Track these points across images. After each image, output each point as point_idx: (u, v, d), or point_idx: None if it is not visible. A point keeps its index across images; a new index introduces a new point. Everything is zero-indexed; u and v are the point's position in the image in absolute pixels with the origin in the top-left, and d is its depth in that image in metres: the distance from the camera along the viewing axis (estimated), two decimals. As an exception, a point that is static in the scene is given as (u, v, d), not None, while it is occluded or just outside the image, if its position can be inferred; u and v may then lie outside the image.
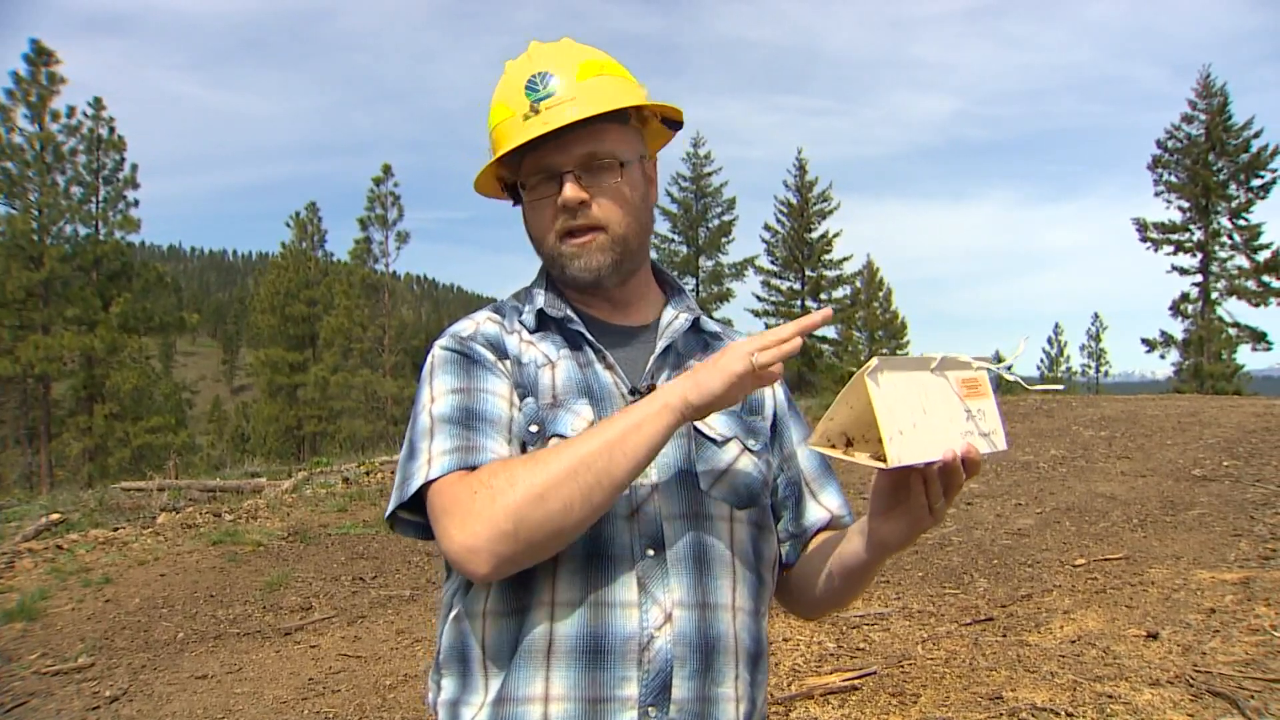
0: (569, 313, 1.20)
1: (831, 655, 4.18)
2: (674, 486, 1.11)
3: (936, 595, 4.96)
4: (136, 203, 27.53)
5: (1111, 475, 7.65)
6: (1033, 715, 3.32)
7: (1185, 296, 32.36)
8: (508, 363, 1.15)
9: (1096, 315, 54.36)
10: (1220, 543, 5.36)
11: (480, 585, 1.09)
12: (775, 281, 37.49)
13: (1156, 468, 7.75)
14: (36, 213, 25.61)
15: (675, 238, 37.50)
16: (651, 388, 1.13)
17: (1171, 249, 32.68)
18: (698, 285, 36.78)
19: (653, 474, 1.11)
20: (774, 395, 1.28)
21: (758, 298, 37.64)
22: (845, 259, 37.95)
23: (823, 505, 1.27)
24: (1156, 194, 33.13)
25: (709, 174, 37.74)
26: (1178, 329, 32.25)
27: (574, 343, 1.19)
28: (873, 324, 39.64)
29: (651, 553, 1.07)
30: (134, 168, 27.48)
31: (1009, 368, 1.05)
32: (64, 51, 26.19)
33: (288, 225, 38.74)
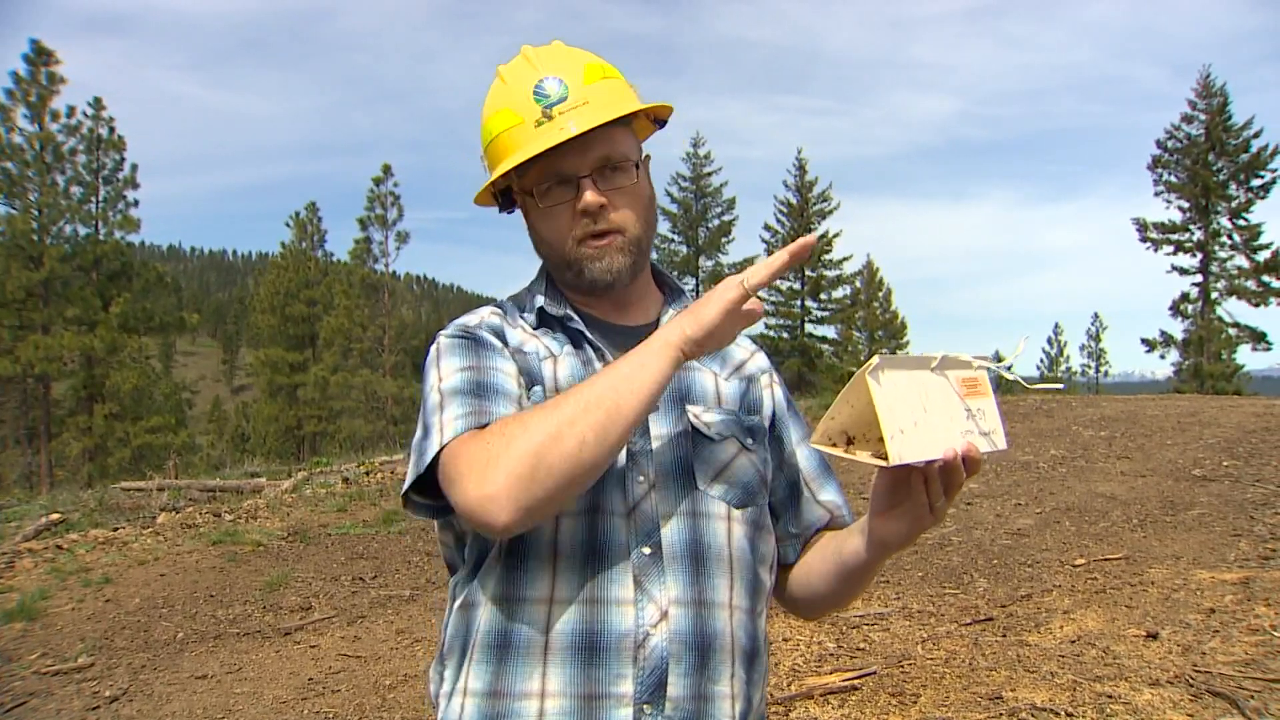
0: (569, 311, 1.20)
1: (831, 655, 4.18)
2: (671, 485, 1.11)
3: (936, 595, 4.96)
4: (136, 203, 27.58)
5: (1111, 475, 7.66)
6: (1032, 715, 3.32)
7: (1185, 296, 32.38)
8: (511, 351, 1.16)
9: (1096, 315, 54.43)
10: (1220, 543, 5.36)
11: (486, 572, 1.09)
12: (775, 281, 37.47)
13: (1156, 468, 7.75)
14: (36, 213, 25.62)
15: (675, 238, 37.55)
16: None
17: (1171, 249, 32.70)
18: (698, 285, 36.77)
19: (650, 472, 1.11)
20: (773, 395, 1.28)
21: (758, 297, 37.58)
22: (845, 259, 38.02)
23: (822, 505, 1.27)
24: (1156, 194, 33.19)
25: (709, 174, 37.79)
26: (1178, 329, 32.31)
27: (575, 341, 1.19)
28: (873, 324, 39.65)
29: (648, 550, 1.08)
30: (134, 168, 27.52)
31: (1009, 367, 1.05)
32: (64, 51, 26.24)
33: (288, 225, 38.78)
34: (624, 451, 1.10)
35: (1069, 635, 4.12)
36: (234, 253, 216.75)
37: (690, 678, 1.06)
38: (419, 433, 1.08)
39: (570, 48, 1.20)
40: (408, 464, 1.09)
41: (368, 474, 11.26)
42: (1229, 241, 32.10)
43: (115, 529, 8.17)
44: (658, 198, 1.29)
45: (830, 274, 37.58)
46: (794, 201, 37.70)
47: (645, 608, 1.05)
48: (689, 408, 1.17)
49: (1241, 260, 31.77)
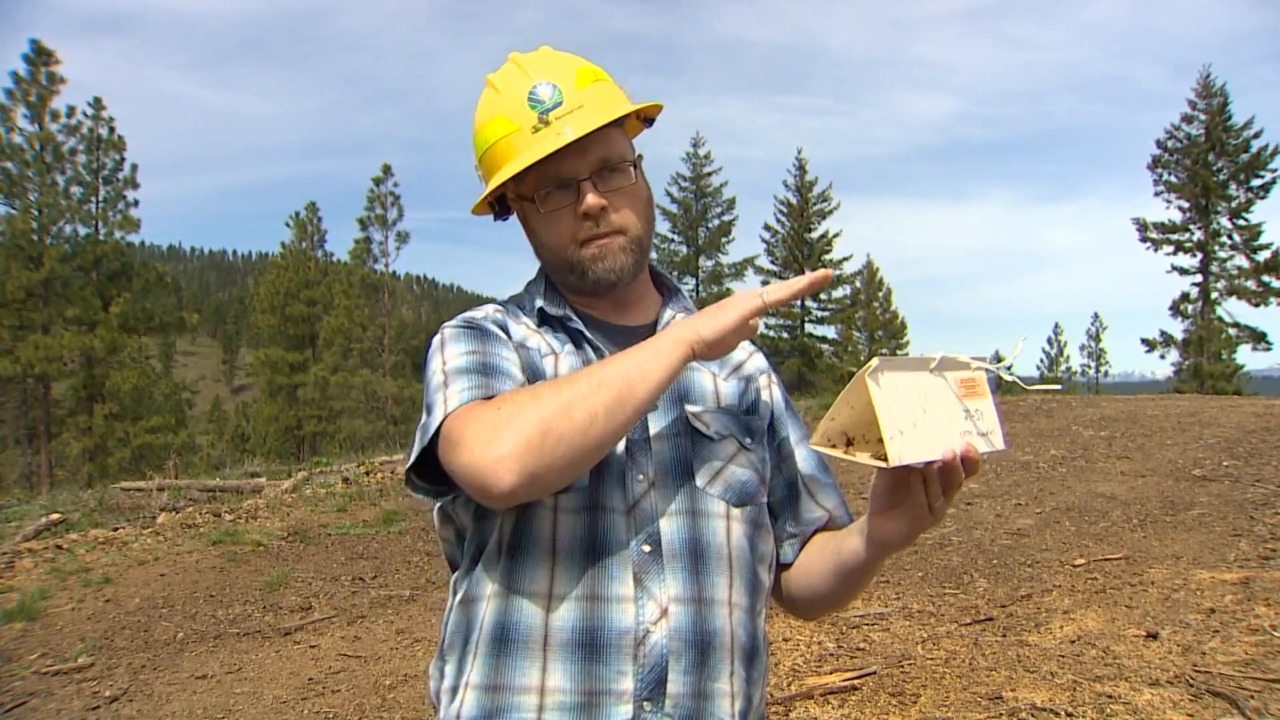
0: (568, 311, 1.21)
1: (831, 655, 4.18)
2: (671, 483, 1.12)
3: (936, 595, 4.96)
4: (136, 203, 27.57)
5: (1111, 475, 7.66)
6: (1032, 715, 3.32)
7: (1185, 296, 32.38)
8: (515, 344, 1.17)
9: (1096, 315, 54.45)
10: (1220, 543, 5.36)
11: (485, 566, 1.10)
12: (775, 281, 37.45)
13: (1156, 468, 7.76)
14: (36, 213, 25.61)
15: (675, 238, 37.53)
16: None
17: (1171, 249, 32.70)
18: (698, 285, 36.79)
19: (650, 470, 1.11)
20: (771, 395, 1.29)
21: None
22: (845, 259, 38.00)
23: (820, 505, 1.28)
24: (1156, 194, 33.18)
25: (709, 174, 37.77)
26: (1178, 329, 32.31)
27: (575, 340, 1.20)
28: (873, 324, 39.67)
29: (648, 548, 1.08)
30: (134, 168, 27.52)
31: (1009, 368, 1.06)
32: (64, 51, 26.24)
33: (288, 225, 38.76)
34: (624, 450, 1.11)
35: (1069, 635, 4.12)
36: (234, 253, 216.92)
37: (690, 675, 1.06)
38: (423, 415, 1.08)
39: (559, 52, 1.20)
40: (411, 453, 1.09)
41: (368, 474, 11.25)
42: (1229, 241, 32.11)
43: (115, 529, 8.17)
44: (657, 198, 1.29)
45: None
46: (794, 201, 37.69)
47: (645, 605, 1.06)
48: (688, 407, 1.17)
49: (1241, 260, 31.78)
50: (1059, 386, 1.36)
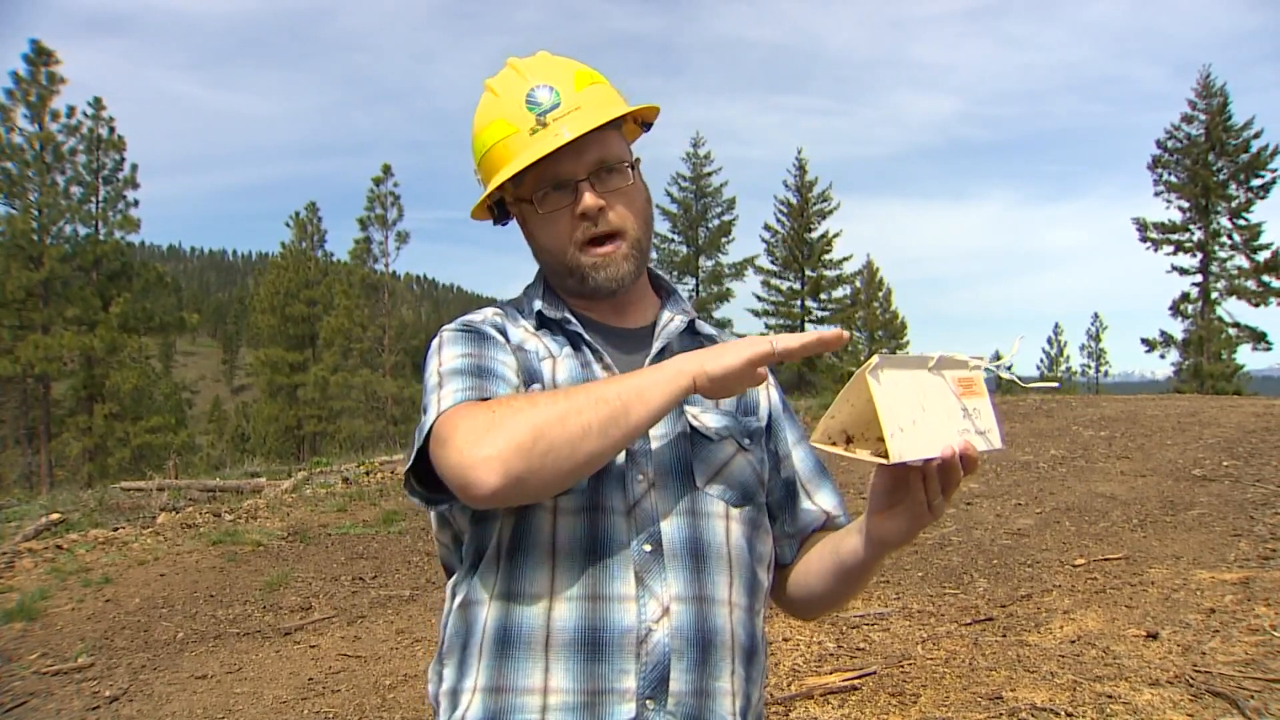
0: (566, 314, 1.21)
1: (831, 655, 4.18)
2: (671, 483, 1.12)
3: (936, 595, 4.96)
4: (136, 203, 27.57)
5: (1111, 475, 7.66)
6: (1032, 715, 3.32)
7: (1185, 296, 32.39)
8: (513, 347, 1.17)
9: (1096, 315, 54.43)
10: (1220, 543, 5.36)
11: (485, 570, 1.10)
12: (775, 281, 37.49)
13: (1156, 468, 7.75)
14: (36, 213, 25.62)
15: (675, 238, 37.51)
16: None
17: (1171, 249, 32.70)
18: (697, 285, 36.78)
19: (650, 471, 1.12)
20: (769, 397, 1.30)
21: (758, 298, 37.55)
22: (845, 259, 38.01)
23: (818, 505, 1.29)
24: (1156, 194, 33.19)
25: (709, 174, 37.74)
26: (1178, 329, 32.32)
27: (573, 343, 1.20)
28: (873, 324, 39.66)
29: (649, 548, 1.08)
30: (134, 168, 27.52)
31: (1009, 368, 1.06)
32: (64, 51, 26.26)
33: (288, 225, 38.76)
34: (624, 452, 1.11)
35: (1069, 635, 4.12)
36: (234, 253, 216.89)
37: (692, 673, 1.06)
38: (421, 418, 1.09)
39: (556, 56, 1.21)
40: (410, 454, 1.09)
41: (368, 474, 11.26)
42: (1229, 241, 32.12)
43: (115, 529, 8.17)
44: (657, 198, 1.30)
45: (830, 274, 37.58)
46: (794, 201, 37.67)
47: (647, 604, 1.06)
48: (687, 409, 1.18)
49: (1241, 260, 31.79)
50: (1055, 385, 1.37)
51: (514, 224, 1.26)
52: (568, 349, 1.19)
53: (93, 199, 26.90)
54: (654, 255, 1.32)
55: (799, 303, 37.36)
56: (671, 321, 1.25)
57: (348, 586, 6.22)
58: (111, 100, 33.15)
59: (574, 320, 1.21)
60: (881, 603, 4.90)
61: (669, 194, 37.00)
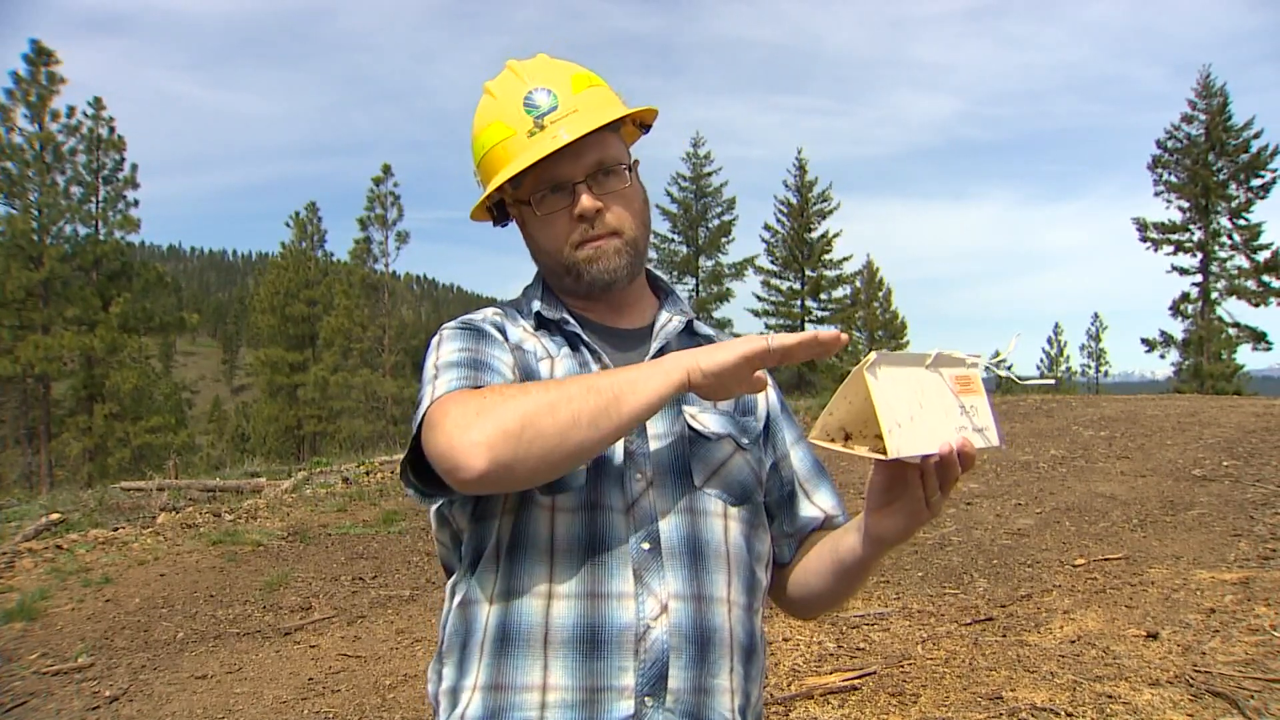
0: (565, 314, 1.22)
1: (831, 655, 4.18)
2: (669, 482, 1.13)
3: (936, 595, 4.96)
4: (136, 203, 27.57)
5: (1111, 475, 7.66)
6: (1032, 715, 3.32)
7: (1185, 296, 32.39)
8: (511, 346, 1.18)
9: (1096, 315, 54.43)
10: (1220, 543, 5.36)
11: (483, 569, 1.10)
12: (775, 281, 37.49)
13: (1156, 468, 7.75)
14: (36, 213, 25.61)
15: (675, 238, 37.49)
16: None
17: (1171, 249, 32.70)
18: (697, 285, 36.77)
19: (648, 470, 1.12)
20: (767, 397, 1.30)
21: (758, 298, 37.58)
22: (845, 259, 37.98)
23: (816, 505, 1.29)
24: (1156, 194, 33.19)
25: (709, 174, 37.73)
26: (1178, 329, 32.31)
27: (571, 343, 1.21)
28: (873, 324, 39.67)
29: (647, 546, 1.09)
30: (134, 168, 27.52)
31: (1008, 367, 1.07)
32: (64, 51, 26.25)
33: (288, 225, 38.75)
34: (622, 451, 1.12)
35: (1069, 635, 4.12)
36: (234, 253, 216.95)
37: (690, 671, 1.07)
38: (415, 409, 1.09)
39: (555, 59, 1.22)
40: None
41: (368, 474, 11.26)
42: (1229, 241, 32.12)
43: (115, 529, 8.17)
44: (657, 199, 1.30)
45: (830, 274, 37.57)
46: (794, 201, 37.67)
47: (645, 601, 1.06)
48: (685, 409, 1.18)
49: (1241, 260, 31.79)
50: (1052, 382, 1.37)
51: (514, 225, 1.27)
52: (566, 349, 1.19)
53: (93, 199, 26.90)
54: (654, 255, 1.32)
55: (799, 303, 37.35)
56: (670, 322, 1.25)
57: (348, 586, 6.22)
58: (111, 100, 33.16)
59: (572, 320, 1.21)
60: (881, 603, 4.90)
61: (669, 194, 37.02)
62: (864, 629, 4.49)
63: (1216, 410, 11.47)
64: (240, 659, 4.82)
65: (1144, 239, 32.95)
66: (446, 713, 1.11)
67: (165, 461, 16.83)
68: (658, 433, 1.15)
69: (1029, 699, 3.45)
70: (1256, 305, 31.21)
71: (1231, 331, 31.44)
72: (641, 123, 1.29)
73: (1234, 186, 32.03)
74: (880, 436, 0.93)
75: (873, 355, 0.95)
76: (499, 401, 0.96)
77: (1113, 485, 7.26)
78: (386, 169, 36.30)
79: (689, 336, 1.27)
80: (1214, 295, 31.97)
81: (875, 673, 3.88)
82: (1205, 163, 32.17)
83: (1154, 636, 3.95)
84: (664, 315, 1.27)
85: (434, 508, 1.20)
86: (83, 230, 26.81)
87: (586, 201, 1.15)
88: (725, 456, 1.17)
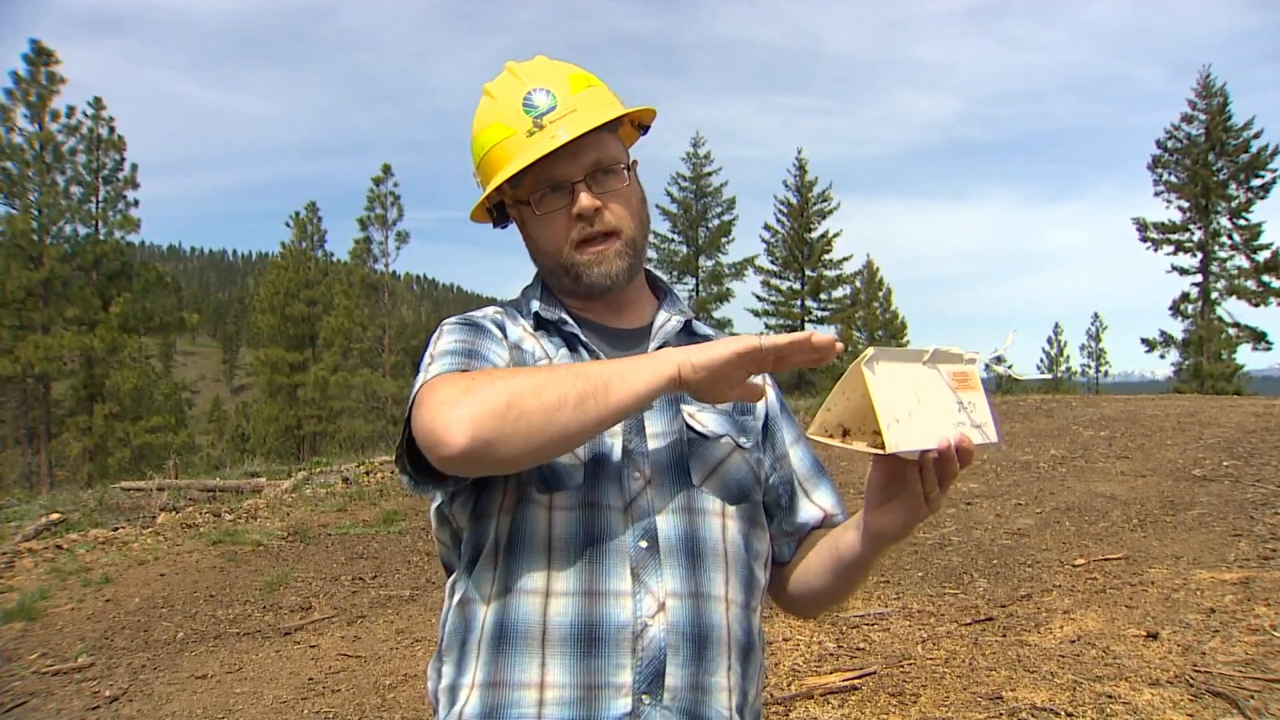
0: (563, 315, 1.22)
1: (831, 655, 4.18)
2: (667, 481, 1.13)
3: (936, 595, 4.96)
4: (136, 203, 27.57)
5: (1111, 475, 7.66)
6: (1032, 715, 3.32)
7: (1185, 296, 32.40)
8: (509, 345, 1.19)
9: (1096, 315, 54.43)
10: (1220, 543, 5.36)
11: (482, 567, 1.10)
12: (775, 281, 37.51)
13: (1156, 468, 7.75)
14: (36, 213, 25.61)
15: (675, 238, 37.50)
16: None
17: (1171, 249, 32.72)
18: (697, 285, 36.77)
19: (646, 469, 1.12)
20: (766, 397, 1.30)
21: (758, 298, 37.60)
22: (845, 259, 38.03)
23: (816, 504, 1.29)
24: (1156, 194, 33.22)
25: (709, 174, 37.74)
26: (1178, 329, 32.32)
27: (570, 344, 1.21)
28: (873, 324, 39.68)
29: (645, 544, 1.09)
30: (134, 168, 27.52)
31: (1009, 366, 1.07)
32: (64, 51, 26.24)
33: (288, 225, 38.75)
34: (620, 449, 1.12)
35: (1069, 635, 4.12)
36: (234, 253, 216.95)
37: (688, 668, 1.07)
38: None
39: (554, 60, 1.23)
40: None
41: (368, 474, 11.26)
42: (1229, 241, 32.13)
43: (115, 529, 8.17)
44: (656, 199, 1.31)
45: (830, 274, 37.59)
46: (794, 201, 37.68)
47: (643, 599, 1.06)
48: (684, 408, 1.19)
49: (1241, 260, 31.81)
50: (1048, 376, 1.38)
51: (513, 226, 1.27)
52: (563, 350, 1.20)
53: (93, 199, 26.90)
54: (653, 255, 1.33)
55: (799, 303, 37.36)
56: (668, 322, 1.26)
57: (348, 586, 6.22)
58: (111, 100, 33.08)
59: (570, 321, 1.22)
60: (881, 603, 4.90)
61: (669, 194, 37.04)
62: (864, 629, 4.49)
63: (1216, 410, 11.47)
64: (240, 659, 4.83)
65: (1144, 239, 32.96)
66: (445, 710, 1.11)
67: (165, 461, 16.83)
68: (656, 431, 1.15)
69: (1029, 699, 3.45)
70: (1256, 305, 31.23)
71: (1231, 331, 31.46)
72: (640, 124, 1.29)
73: (1234, 186, 32.05)
74: (878, 432, 0.93)
75: (870, 351, 0.95)
76: (487, 382, 0.96)
77: (1113, 485, 7.26)
78: (386, 169, 36.32)
79: (688, 336, 1.27)
80: (1214, 295, 31.99)
81: (875, 673, 3.88)
82: (1205, 163, 32.18)
83: (1154, 636, 3.95)
84: (663, 315, 1.27)
85: (434, 506, 1.20)
86: (83, 230, 26.85)
87: (585, 200, 1.15)
88: (724, 455, 1.18)
